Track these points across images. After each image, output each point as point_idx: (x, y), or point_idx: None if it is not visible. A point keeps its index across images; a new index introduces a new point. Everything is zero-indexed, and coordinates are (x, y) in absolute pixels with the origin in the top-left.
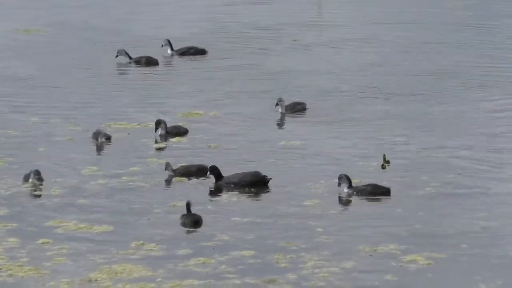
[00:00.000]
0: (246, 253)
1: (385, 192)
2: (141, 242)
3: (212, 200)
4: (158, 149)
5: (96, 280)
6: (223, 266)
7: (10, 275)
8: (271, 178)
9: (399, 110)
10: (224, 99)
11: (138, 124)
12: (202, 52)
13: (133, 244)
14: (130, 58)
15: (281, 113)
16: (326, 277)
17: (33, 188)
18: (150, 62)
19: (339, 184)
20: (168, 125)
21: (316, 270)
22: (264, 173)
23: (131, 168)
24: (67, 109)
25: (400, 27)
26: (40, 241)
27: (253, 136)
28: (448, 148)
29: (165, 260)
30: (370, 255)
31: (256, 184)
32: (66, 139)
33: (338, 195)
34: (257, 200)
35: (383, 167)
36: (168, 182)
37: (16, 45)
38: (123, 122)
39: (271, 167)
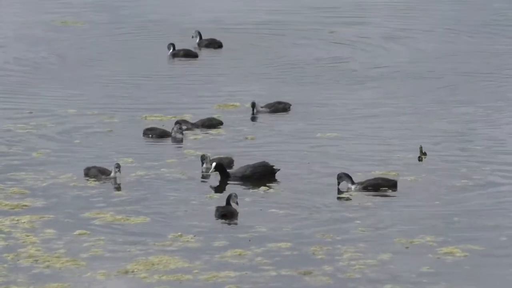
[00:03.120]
0: (282, 244)
1: (392, 185)
2: (178, 233)
3: (249, 192)
4: (194, 140)
5: (132, 271)
6: (259, 258)
7: (47, 267)
8: (279, 169)
9: (440, 100)
10: (261, 90)
11: (174, 116)
12: (220, 45)
13: (170, 236)
14: (174, 48)
15: (256, 112)
16: (362, 269)
17: (101, 182)
18: (188, 54)
19: (339, 184)
20: (202, 117)
21: (352, 262)
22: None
23: (168, 160)
24: (103, 101)
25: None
26: (77, 232)
27: (289, 128)
28: (488, 140)
29: (202, 251)
30: (407, 247)
31: (265, 174)
32: (103, 131)
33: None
34: (294, 192)
35: (419, 159)
36: (205, 173)
37: (52, 36)
38: (158, 114)
39: (307, 159)
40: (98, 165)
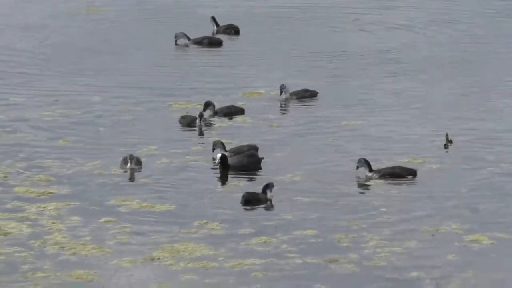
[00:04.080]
0: (308, 232)
1: (411, 174)
2: (204, 221)
3: (275, 180)
4: (220, 128)
5: (158, 258)
6: (285, 245)
7: (73, 254)
8: (263, 158)
9: (464, 89)
10: (286, 78)
11: (200, 104)
12: (237, 31)
13: (195, 223)
14: (189, 39)
15: (285, 99)
16: (387, 257)
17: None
18: (213, 42)
19: (357, 167)
20: (226, 104)
21: (378, 250)
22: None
23: (193, 148)
24: (128, 89)
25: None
26: (103, 219)
27: (315, 115)
28: None
29: (227, 239)
30: (433, 235)
31: (253, 163)
32: (128, 119)
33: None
34: (320, 180)
35: (445, 146)
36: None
37: (76, 24)
38: (183, 102)
39: (333, 147)
40: (124, 153)
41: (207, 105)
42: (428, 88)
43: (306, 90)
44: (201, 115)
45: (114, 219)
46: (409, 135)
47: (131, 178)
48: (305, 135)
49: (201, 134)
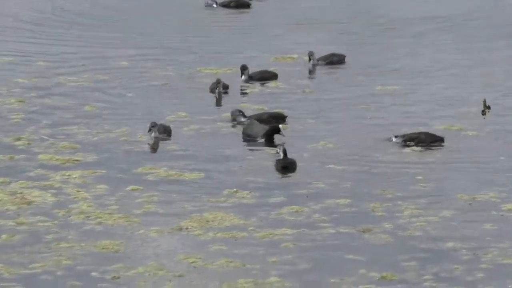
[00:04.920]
0: (341, 201)
1: (439, 140)
2: (234, 189)
3: (307, 147)
4: (248, 94)
5: (186, 228)
6: (317, 215)
7: (99, 223)
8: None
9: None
10: (318, 43)
11: (229, 69)
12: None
13: (225, 192)
14: (217, 3)
15: (313, 65)
16: (423, 226)
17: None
18: (240, 4)
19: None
20: (257, 69)
21: (413, 219)
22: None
23: (223, 114)
24: (156, 53)
25: None
26: (130, 188)
27: (348, 81)
28: None
29: (258, 208)
30: (469, 204)
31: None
32: (157, 84)
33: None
34: (352, 147)
35: (483, 112)
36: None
37: None
38: (213, 67)
39: (366, 113)
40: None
41: (243, 69)
42: (469, 53)
43: (333, 55)
44: (218, 81)
45: (141, 188)
46: (446, 101)
47: (154, 147)
48: (339, 101)
49: (219, 102)
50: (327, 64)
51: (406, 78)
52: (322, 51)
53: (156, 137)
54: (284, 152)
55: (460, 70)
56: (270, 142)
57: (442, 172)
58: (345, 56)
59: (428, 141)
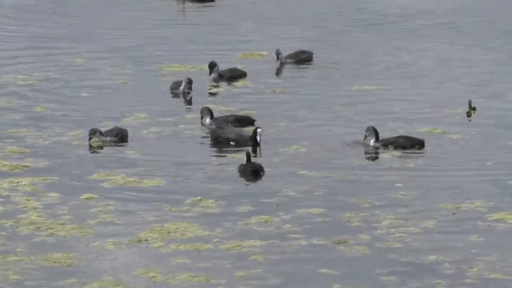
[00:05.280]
0: (314, 210)
1: (419, 144)
2: (198, 198)
3: (277, 152)
4: (216, 94)
5: (146, 240)
6: (288, 225)
7: (51, 234)
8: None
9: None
10: (288, 38)
11: (193, 67)
12: None
13: (188, 201)
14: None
15: (281, 63)
16: (403, 238)
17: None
18: None
19: (366, 137)
20: (225, 67)
21: (392, 230)
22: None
23: (187, 116)
24: (114, 49)
25: None
26: (84, 196)
27: (322, 80)
28: None
29: (223, 218)
30: (453, 213)
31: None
32: (115, 83)
33: (416, 146)
34: (326, 151)
35: (468, 114)
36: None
37: None
38: (176, 64)
39: (342, 115)
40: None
41: (212, 66)
42: (454, 52)
43: (302, 52)
44: (190, 81)
45: (96, 196)
46: (427, 102)
47: (97, 152)
48: (312, 101)
49: (188, 101)
50: (296, 62)
51: (386, 77)
52: (294, 48)
53: (103, 141)
54: (248, 156)
55: (445, 70)
56: (255, 147)
57: (424, 179)
58: (312, 54)
59: (407, 145)
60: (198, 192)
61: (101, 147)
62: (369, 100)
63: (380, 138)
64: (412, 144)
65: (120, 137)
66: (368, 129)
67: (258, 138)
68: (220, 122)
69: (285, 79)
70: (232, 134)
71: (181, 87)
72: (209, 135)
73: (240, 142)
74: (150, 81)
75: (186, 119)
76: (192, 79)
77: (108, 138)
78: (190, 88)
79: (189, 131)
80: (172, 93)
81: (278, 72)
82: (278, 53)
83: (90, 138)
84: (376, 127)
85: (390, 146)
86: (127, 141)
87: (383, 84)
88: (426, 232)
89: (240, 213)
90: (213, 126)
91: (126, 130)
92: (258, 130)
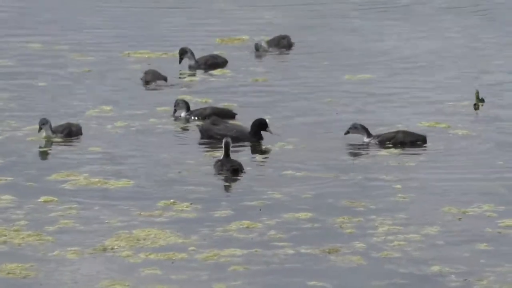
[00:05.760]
0: (301, 215)
1: (420, 140)
2: (170, 201)
3: (260, 149)
4: (190, 83)
5: (112, 248)
6: (273, 232)
7: (4, 242)
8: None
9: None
10: (272, 21)
11: (164, 53)
12: None
13: (159, 204)
14: None
15: (262, 51)
16: (402, 246)
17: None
18: None
19: (347, 133)
20: (202, 54)
21: (390, 238)
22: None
23: (159, 108)
24: (75, 34)
25: None
26: (42, 199)
27: (310, 68)
28: None
29: (200, 223)
30: (459, 219)
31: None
32: (77, 71)
33: (418, 143)
34: (315, 149)
35: (476, 107)
36: (199, 125)
37: None
38: (144, 50)
39: (333, 107)
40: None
41: (183, 53)
42: (460, 40)
43: (282, 37)
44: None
45: (56, 199)
46: (429, 93)
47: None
48: (299, 92)
49: (160, 93)
50: (279, 48)
51: (383, 65)
52: (277, 31)
53: (49, 137)
54: (226, 146)
55: (450, 57)
56: (257, 141)
57: (426, 180)
58: (293, 42)
59: (407, 141)
60: (171, 194)
61: (60, 143)
62: (363, 91)
63: (375, 134)
64: (413, 140)
65: (67, 133)
66: (354, 127)
67: (270, 129)
68: (215, 118)
69: (268, 67)
70: (232, 131)
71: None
72: (199, 132)
73: (242, 139)
74: (116, 70)
75: (158, 112)
76: (164, 75)
77: (54, 135)
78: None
79: (161, 126)
80: (145, 84)
81: (259, 59)
82: (257, 48)
83: (40, 129)
84: (372, 122)
85: (387, 142)
86: (77, 137)
87: (378, 73)
88: (429, 240)
89: (218, 218)
90: (206, 123)
91: (76, 125)
92: (266, 120)
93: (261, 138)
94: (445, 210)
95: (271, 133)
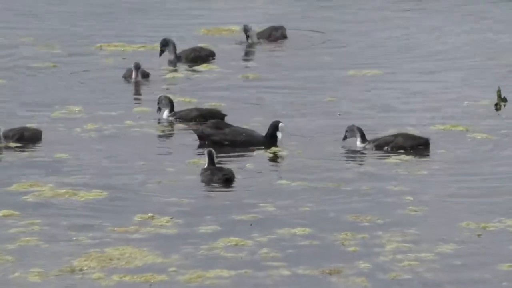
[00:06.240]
0: (298, 231)
1: (422, 144)
2: (148, 215)
3: (251, 157)
4: (173, 80)
5: (81, 270)
6: (265, 250)
7: None
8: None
9: None
10: (264, 9)
11: (142, 46)
12: None
13: (136, 218)
14: None
15: (251, 43)
16: (413, 267)
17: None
18: None
19: (345, 138)
20: (185, 46)
21: (399, 257)
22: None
23: (135, 109)
24: (40, 24)
25: None
26: (1, 213)
27: (307, 63)
28: None
29: (182, 240)
30: (479, 235)
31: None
32: (43, 66)
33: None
34: (315, 156)
35: (497, 107)
36: (183, 128)
37: None
38: (119, 43)
39: (333, 108)
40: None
41: (164, 44)
42: (479, 33)
43: (275, 28)
44: (137, 67)
45: (17, 213)
46: (446, 91)
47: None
48: (294, 91)
49: (138, 91)
50: (271, 41)
51: (391, 60)
52: (270, 21)
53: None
54: (211, 156)
55: (467, 51)
56: (272, 146)
57: (440, 190)
58: (285, 29)
59: (407, 145)
60: (149, 207)
61: (22, 150)
62: (368, 88)
63: (371, 138)
64: (414, 144)
65: (18, 138)
66: (350, 129)
67: (279, 135)
68: (218, 122)
69: (259, 62)
70: (241, 135)
71: (133, 76)
72: (198, 138)
73: (254, 144)
74: (86, 64)
75: (134, 113)
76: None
77: (4, 141)
78: (146, 77)
79: (138, 129)
80: (126, 80)
81: (250, 53)
82: (246, 30)
83: None
84: (378, 124)
85: (386, 147)
86: (33, 143)
87: (386, 68)
88: (444, 260)
89: (203, 234)
90: (206, 126)
91: (33, 130)
92: (280, 124)
93: (275, 143)
94: (463, 225)
95: (279, 138)
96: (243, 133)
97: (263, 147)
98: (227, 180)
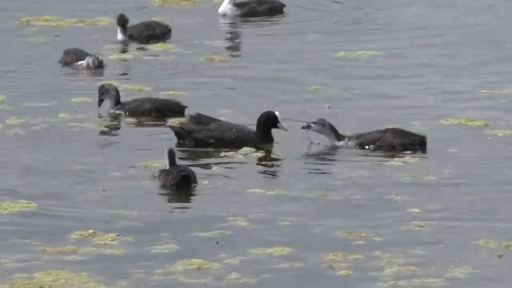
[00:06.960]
0: (276, 250)
1: (417, 143)
2: (89, 231)
3: (218, 159)
4: (121, 64)
5: None
6: (235, 275)
7: None
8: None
9: None
10: None
11: (80, 20)
12: None
13: (73, 236)
14: None
15: (232, 16)
16: None
17: None
18: None
19: (307, 127)
20: (136, 21)
21: (402, 283)
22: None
23: (75, 99)
24: None
25: None
26: None
27: (290, 42)
28: None
29: (131, 263)
30: (500, 256)
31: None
32: None
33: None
34: (296, 157)
35: None
36: (133, 124)
37: None
38: (47, 17)
39: (324, 99)
40: None
41: (124, 21)
42: (502, 12)
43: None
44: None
45: None
46: (459, 79)
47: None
48: (271, 76)
49: (75, 78)
50: (257, 13)
51: (391, 38)
52: None
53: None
54: (171, 155)
55: (487, 32)
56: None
57: (452, 200)
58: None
59: (397, 143)
60: (90, 221)
61: None
62: (363, 74)
63: (353, 134)
64: (406, 142)
65: None
66: (321, 123)
67: (283, 125)
68: (198, 115)
69: (228, 40)
70: (231, 130)
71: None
72: (176, 135)
73: (247, 142)
74: (10, 43)
75: (72, 104)
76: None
77: None
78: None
79: (77, 124)
80: (67, 65)
81: (218, 28)
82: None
83: None
84: (374, 118)
85: (370, 145)
86: None
87: (384, 49)
88: (456, 285)
89: (158, 255)
90: (186, 121)
91: None
92: (276, 113)
93: (272, 139)
94: (480, 243)
95: (284, 129)
96: (233, 128)
97: (253, 146)
98: (184, 178)
